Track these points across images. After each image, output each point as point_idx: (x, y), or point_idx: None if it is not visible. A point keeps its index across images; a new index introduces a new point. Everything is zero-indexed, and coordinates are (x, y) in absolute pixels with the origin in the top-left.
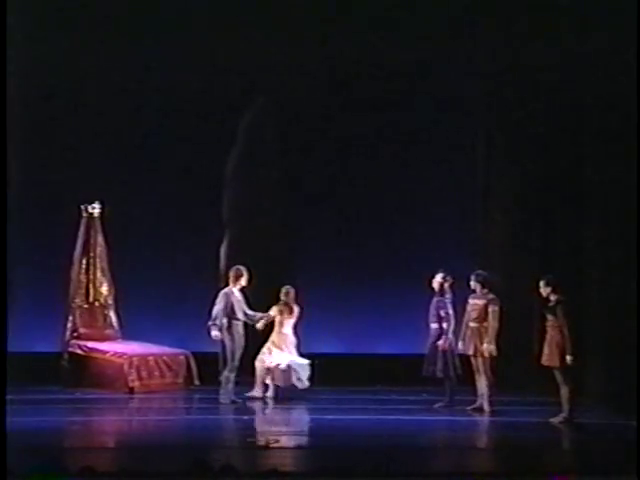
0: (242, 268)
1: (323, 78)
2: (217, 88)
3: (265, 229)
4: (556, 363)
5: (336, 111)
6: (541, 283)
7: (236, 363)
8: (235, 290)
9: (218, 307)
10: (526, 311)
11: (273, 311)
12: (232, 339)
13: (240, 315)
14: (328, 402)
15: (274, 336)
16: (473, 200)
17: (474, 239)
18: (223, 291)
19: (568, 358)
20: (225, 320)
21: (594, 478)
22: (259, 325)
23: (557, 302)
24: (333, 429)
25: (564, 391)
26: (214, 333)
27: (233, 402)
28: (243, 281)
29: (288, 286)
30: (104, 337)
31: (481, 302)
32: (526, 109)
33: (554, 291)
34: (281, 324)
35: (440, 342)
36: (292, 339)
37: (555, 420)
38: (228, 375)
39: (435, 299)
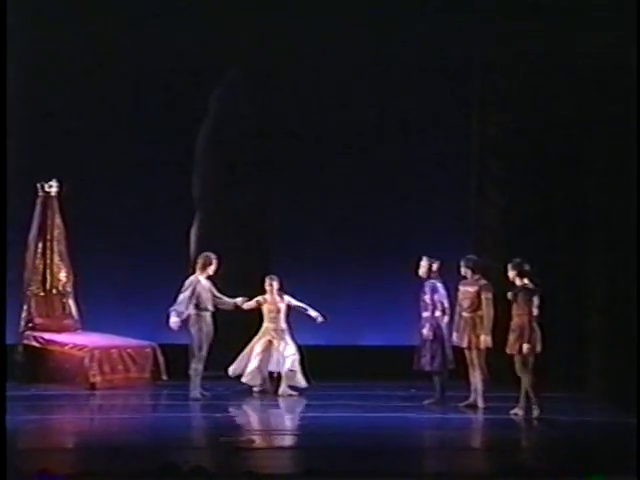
0: (212, 255)
1: (300, 54)
2: (186, 63)
3: (239, 212)
4: (514, 351)
5: (316, 89)
6: (509, 266)
7: (204, 354)
8: (202, 278)
9: (184, 294)
10: None
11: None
12: (200, 330)
13: (209, 305)
14: (309, 398)
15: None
16: (467, 184)
17: (468, 224)
18: (190, 278)
19: (525, 347)
20: (193, 311)
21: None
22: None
23: (521, 288)
24: (314, 428)
25: (524, 382)
26: (173, 320)
27: (202, 395)
28: (211, 270)
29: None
30: (62, 328)
31: (472, 289)
32: (528, 92)
33: (519, 276)
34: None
35: (424, 331)
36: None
37: (517, 413)
38: (196, 367)
39: (424, 284)
